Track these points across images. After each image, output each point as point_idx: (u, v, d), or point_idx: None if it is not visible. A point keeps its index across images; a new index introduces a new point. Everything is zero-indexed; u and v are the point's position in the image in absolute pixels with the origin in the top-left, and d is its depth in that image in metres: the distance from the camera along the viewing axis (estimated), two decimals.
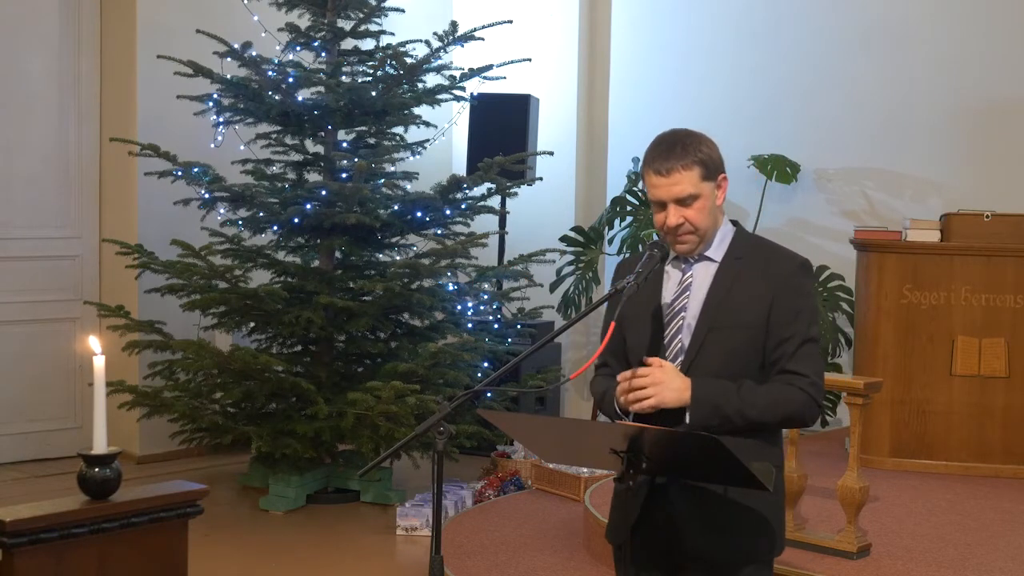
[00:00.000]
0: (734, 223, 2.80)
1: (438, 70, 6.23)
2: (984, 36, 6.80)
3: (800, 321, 2.67)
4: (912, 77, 6.98)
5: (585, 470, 5.74)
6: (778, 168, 7.05)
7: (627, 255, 7.20)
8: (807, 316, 2.68)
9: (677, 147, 2.68)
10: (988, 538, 4.66)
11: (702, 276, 2.74)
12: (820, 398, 2.66)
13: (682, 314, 2.70)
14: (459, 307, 6.31)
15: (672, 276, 2.77)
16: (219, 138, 6.26)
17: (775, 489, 2.68)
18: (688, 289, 2.72)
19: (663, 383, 2.57)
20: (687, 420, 2.58)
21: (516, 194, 6.65)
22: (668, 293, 2.75)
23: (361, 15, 6.22)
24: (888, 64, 7.05)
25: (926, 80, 6.94)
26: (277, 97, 6.04)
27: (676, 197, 2.67)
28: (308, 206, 5.94)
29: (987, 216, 5.76)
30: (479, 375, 6.10)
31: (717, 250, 2.75)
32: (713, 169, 2.70)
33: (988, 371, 5.66)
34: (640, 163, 2.76)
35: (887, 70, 7.06)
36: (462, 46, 6.23)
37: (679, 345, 2.69)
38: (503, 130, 7.17)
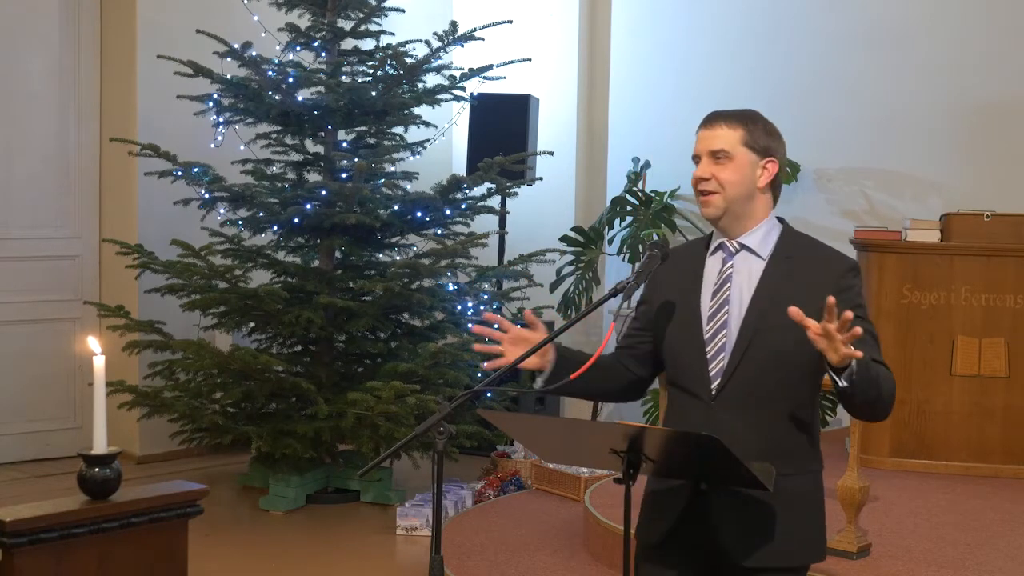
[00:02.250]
0: (781, 220, 2.73)
1: (438, 70, 6.23)
2: (984, 36, 6.80)
3: (860, 311, 2.57)
4: (912, 77, 6.98)
5: (585, 470, 5.74)
6: None
7: (627, 255, 7.20)
8: (864, 310, 2.62)
9: (735, 111, 2.68)
10: (988, 538, 4.66)
11: (744, 270, 2.66)
12: (892, 401, 2.61)
13: (725, 307, 2.63)
14: (459, 307, 6.31)
15: (711, 266, 2.70)
16: (219, 138, 6.26)
17: (816, 494, 2.67)
18: (729, 281, 2.65)
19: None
20: (848, 374, 2.41)
21: (516, 194, 6.64)
22: (708, 284, 2.68)
23: (361, 15, 6.22)
24: (888, 64, 7.05)
25: (926, 80, 6.93)
26: (277, 97, 6.04)
27: (709, 149, 2.64)
28: (308, 206, 5.94)
29: (987, 216, 5.76)
30: (479, 375, 6.10)
31: (763, 245, 2.66)
32: (760, 146, 2.64)
33: (988, 371, 5.66)
34: None
35: (887, 70, 7.05)
36: (462, 46, 6.23)
37: (723, 341, 2.62)
38: (503, 130, 7.16)
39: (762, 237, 2.67)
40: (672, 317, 2.70)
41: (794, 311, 2.40)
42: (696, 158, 2.68)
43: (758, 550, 2.60)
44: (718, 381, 2.62)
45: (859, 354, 2.39)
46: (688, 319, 2.67)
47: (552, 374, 2.71)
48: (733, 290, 2.65)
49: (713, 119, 2.68)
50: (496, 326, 2.71)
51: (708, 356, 2.63)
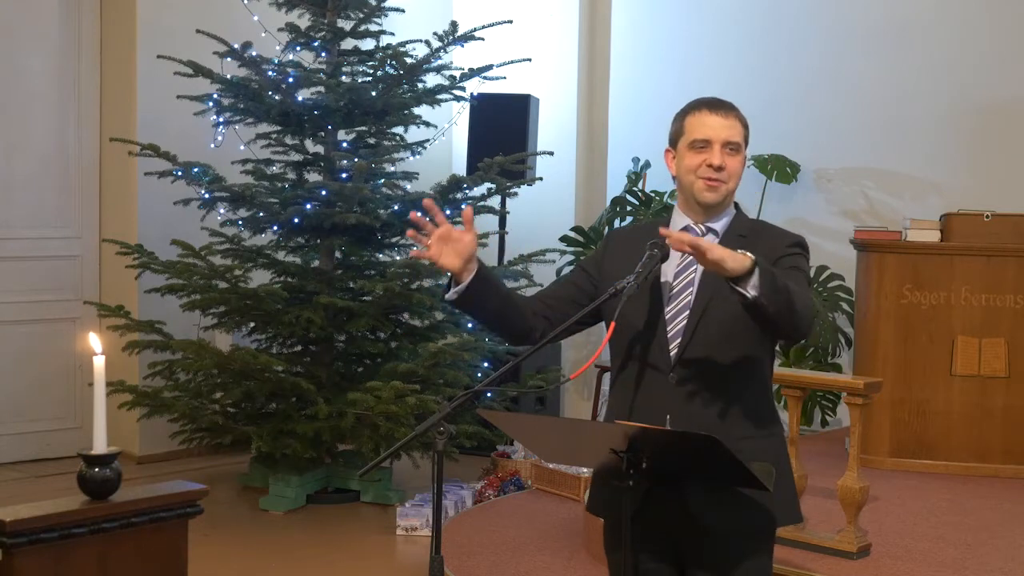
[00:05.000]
0: (735, 205, 2.82)
1: (438, 70, 6.23)
2: (984, 36, 6.81)
3: (787, 260, 2.67)
4: (912, 77, 6.99)
5: (585, 470, 5.73)
6: (778, 168, 7.05)
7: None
8: (803, 274, 2.70)
9: (729, 104, 2.74)
10: (988, 538, 4.66)
11: None
12: (812, 315, 2.61)
13: (689, 288, 2.70)
14: None
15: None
16: (219, 138, 6.26)
17: (779, 456, 2.71)
18: (694, 263, 2.69)
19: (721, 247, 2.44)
20: (754, 282, 2.41)
21: (516, 194, 6.64)
22: (672, 264, 2.73)
23: (361, 15, 6.22)
24: (888, 64, 7.06)
25: (926, 80, 6.94)
26: (277, 97, 6.04)
27: (728, 139, 2.69)
28: (308, 206, 5.94)
29: (987, 216, 5.76)
30: (479, 375, 6.10)
31: (721, 226, 2.77)
32: (747, 142, 2.77)
33: (988, 371, 5.66)
34: (678, 118, 2.76)
35: (887, 70, 7.06)
36: (462, 46, 6.23)
37: (685, 314, 2.68)
38: (503, 130, 7.17)
39: (723, 220, 2.78)
40: (638, 295, 2.69)
41: (663, 230, 2.50)
42: (704, 143, 2.69)
43: (725, 514, 2.62)
44: (675, 352, 2.68)
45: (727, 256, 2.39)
46: (648, 296, 2.71)
47: (466, 290, 2.75)
48: (697, 269, 2.69)
49: (726, 108, 2.74)
50: (432, 221, 2.75)
51: (668, 330, 2.68)
